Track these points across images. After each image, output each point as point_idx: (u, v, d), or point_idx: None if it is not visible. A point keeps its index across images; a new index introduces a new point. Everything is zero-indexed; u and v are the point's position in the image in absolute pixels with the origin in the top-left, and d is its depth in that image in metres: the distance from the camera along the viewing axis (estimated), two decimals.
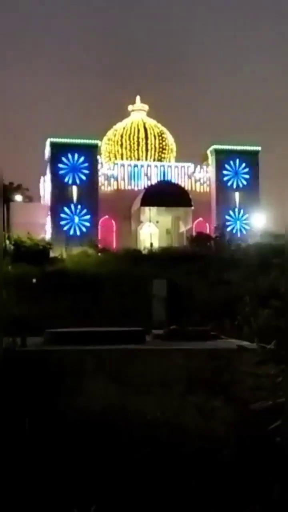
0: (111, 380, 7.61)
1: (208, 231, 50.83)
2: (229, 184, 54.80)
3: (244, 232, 52.69)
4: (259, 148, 56.29)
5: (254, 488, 5.82)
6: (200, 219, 54.01)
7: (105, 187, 53.73)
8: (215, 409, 7.30)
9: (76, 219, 51.35)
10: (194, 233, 49.49)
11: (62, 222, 51.19)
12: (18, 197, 57.93)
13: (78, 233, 50.87)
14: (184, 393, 7.56)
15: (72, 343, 8.46)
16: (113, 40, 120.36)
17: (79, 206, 51.63)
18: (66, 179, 51.91)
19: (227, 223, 51.95)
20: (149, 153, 57.31)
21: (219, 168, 55.04)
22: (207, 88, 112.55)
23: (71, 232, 50.86)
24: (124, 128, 58.52)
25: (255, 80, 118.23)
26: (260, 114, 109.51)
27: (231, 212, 53.91)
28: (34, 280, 26.02)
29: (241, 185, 54.92)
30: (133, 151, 57.33)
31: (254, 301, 6.99)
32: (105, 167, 54.84)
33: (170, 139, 59.36)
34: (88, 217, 51.69)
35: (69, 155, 52.15)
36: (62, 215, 51.28)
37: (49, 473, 6.11)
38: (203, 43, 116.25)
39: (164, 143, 58.39)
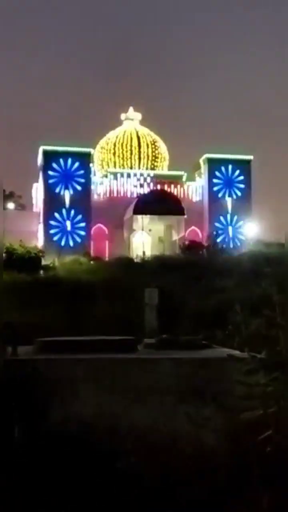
0: (102, 389, 7.61)
1: (200, 240, 50.89)
2: (221, 192, 54.93)
3: (237, 240, 52.79)
4: (251, 157, 56.47)
5: (243, 497, 5.82)
6: (193, 227, 54.09)
7: (97, 195, 53.76)
8: (205, 418, 7.30)
9: (69, 227, 51.31)
10: (186, 242, 49.53)
11: (54, 230, 51.16)
12: (11, 205, 57.90)
13: (70, 241, 50.85)
14: (175, 402, 7.55)
15: (63, 351, 8.44)
16: (107, 49, 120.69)
17: (71, 214, 51.61)
18: (58, 187, 51.91)
19: (220, 232, 52.02)
20: (141, 161, 57.40)
21: (212, 176, 55.18)
22: (200, 97, 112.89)
23: (63, 240, 50.83)
24: (117, 137, 58.62)
25: (247, 89, 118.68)
26: (253, 123, 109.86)
27: (223, 221, 53.99)
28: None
29: (233, 194, 55.05)
30: (126, 159, 57.40)
31: (246, 310, 6.99)
32: (97, 175, 54.90)
33: (163, 148, 59.47)
34: (80, 225, 51.67)
35: (62, 163, 52.17)
36: (55, 223, 51.25)
37: (37, 480, 6.11)
38: (196, 51, 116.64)
39: (157, 152, 58.50)
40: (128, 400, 7.57)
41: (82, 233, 51.57)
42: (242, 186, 55.23)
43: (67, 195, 51.92)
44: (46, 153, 52.79)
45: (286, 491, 5.77)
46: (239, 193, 55.06)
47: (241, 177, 55.33)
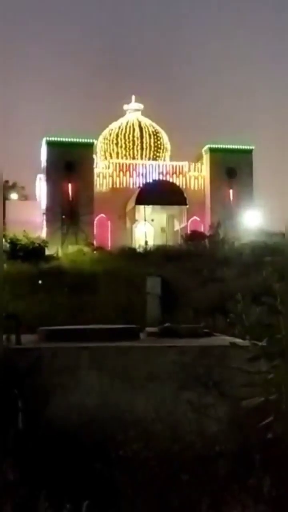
0: (105, 376, 7.69)
1: (202, 230, 50.92)
2: (223, 182, 54.89)
3: (239, 230, 52.81)
4: (253, 147, 56.40)
5: (245, 483, 5.90)
6: (195, 217, 54.10)
7: (100, 185, 53.77)
8: (207, 405, 7.38)
9: (72, 217, 51.35)
10: (188, 232, 49.57)
11: (58, 220, 51.20)
12: (14, 195, 57.92)
13: (73, 231, 50.90)
14: (177, 390, 7.64)
15: (66, 340, 8.51)
16: (109, 40, 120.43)
17: (74, 205, 51.64)
18: (61, 178, 51.93)
19: (221, 222, 52.07)
20: (144, 152, 57.40)
21: (213, 166, 55.13)
22: (202, 88, 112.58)
23: (67, 230, 50.88)
24: (119, 127, 58.60)
25: (249, 79, 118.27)
26: (255, 113, 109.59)
27: (225, 211, 53.96)
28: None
29: (235, 184, 55.01)
30: (128, 150, 57.40)
31: (247, 299, 7.05)
32: (100, 165, 54.90)
33: (165, 138, 59.45)
34: (83, 215, 51.70)
35: (65, 154, 52.16)
36: (57, 213, 51.29)
37: (42, 468, 6.19)
38: (198, 42, 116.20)
39: (159, 142, 58.49)
40: (130, 387, 7.65)
41: (85, 223, 51.59)
42: (244, 176, 55.17)
43: (70, 186, 51.94)
44: (49, 144, 52.79)
45: (286, 478, 5.84)
46: (241, 183, 55.01)
47: (243, 167, 55.26)
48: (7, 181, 57.82)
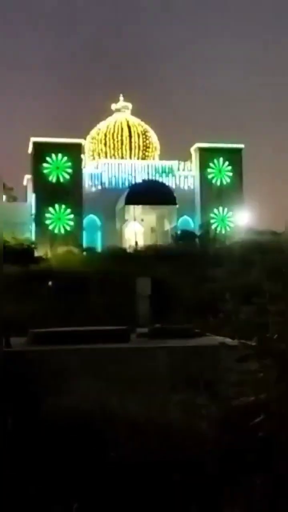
0: (95, 378, 7.68)
1: (192, 229, 50.97)
2: (213, 182, 54.93)
3: (228, 229, 52.82)
4: (242, 146, 56.48)
5: (237, 480, 5.91)
6: (185, 217, 54.11)
7: (89, 186, 53.71)
8: (198, 405, 7.38)
9: (60, 218, 51.27)
10: (178, 231, 49.59)
11: (47, 222, 51.10)
12: (2, 197, 57.77)
13: (62, 232, 50.80)
14: (168, 390, 7.64)
15: (57, 342, 8.52)
16: (97, 39, 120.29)
17: (63, 205, 51.54)
18: (50, 178, 51.84)
19: (211, 221, 52.09)
20: (133, 151, 57.33)
21: (203, 166, 55.17)
22: (191, 87, 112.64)
23: (56, 231, 50.78)
24: (107, 127, 58.51)
25: (239, 78, 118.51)
26: (244, 112, 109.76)
27: (215, 210, 53.98)
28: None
29: (224, 183, 55.05)
30: (117, 149, 57.33)
31: (237, 298, 7.06)
32: (89, 166, 54.84)
33: (154, 138, 59.40)
34: (72, 216, 51.62)
35: (53, 154, 52.08)
36: (46, 215, 51.19)
37: (32, 469, 6.18)
38: (186, 40, 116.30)
39: (148, 142, 58.42)
40: (121, 388, 7.65)
41: (74, 224, 51.51)
42: (233, 175, 55.23)
43: (58, 186, 51.85)
44: (36, 145, 52.68)
45: (277, 474, 5.86)
46: (230, 182, 55.06)
47: (232, 166, 55.32)
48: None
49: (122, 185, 53.72)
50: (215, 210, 53.81)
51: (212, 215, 53.18)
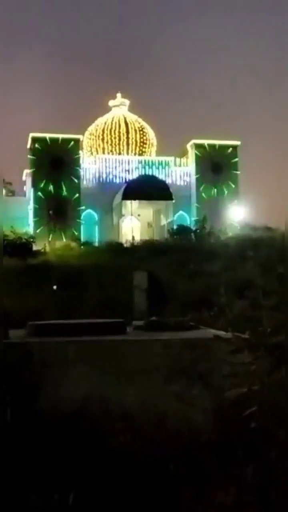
0: (92, 370, 7.82)
1: (188, 224, 51.11)
2: (208, 177, 55.05)
3: (224, 224, 52.97)
4: (238, 142, 56.59)
5: (229, 471, 6.06)
6: (181, 212, 54.25)
7: (86, 181, 53.79)
8: (192, 397, 7.53)
9: (58, 213, 51.35)
10: (175, 226, 49.74)
11: (45, 216, 51.20)
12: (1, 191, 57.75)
13: (60, 226, 50.91)
14: (163, 382, 7.78)
15: (54, 334, 8.65)
16: (95, 36, 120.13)
17: (61, 200, 51.64)
18: (48, 173, 51.93)
19: (207, 216, 52.26)
20: (130, 147, 57.48)
21: (199, 162, 55.29)
22: (188, 83, 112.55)
23: (54, 225, 50.88)
24: (105, 123, 58.65)
25: (236, 74, 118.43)
26: (240, 108, 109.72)
27: (211, 205, 54.11)
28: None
29: (220, 179, 55.18)
30: (114, 145, 57.47)
31: (231, 292, 7.21)
32: (86, 161, 54.92)
33: (150, 134, 59.55)
34: (70, 211, 51.72)
35: (51, 150, 52.16)
36: (44, 209, 51.29)
37: (30, 460, 6.32)
38: (184, 37, 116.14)
39: (144, 138, 58.59)
40: (118, 380, 7.79)
41: (72, 218, 51.62)
42: (229, 171, 55.35)
43: (57, 181, 51.93)
44: (35, 140, 52.75)
45: (269, 466, 6.00)
46: (226, 178, 55.20)
47: (228, 162, 55.44)
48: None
49: (119, 181, 53.85)
50: (211, 206, 53.95)
51: (207, 210, 53.30)
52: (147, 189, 50.94)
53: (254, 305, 6.55)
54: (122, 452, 6.62)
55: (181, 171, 56.21)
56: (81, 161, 53.76)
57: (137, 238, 47.82)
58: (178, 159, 56.68)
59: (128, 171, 54.78)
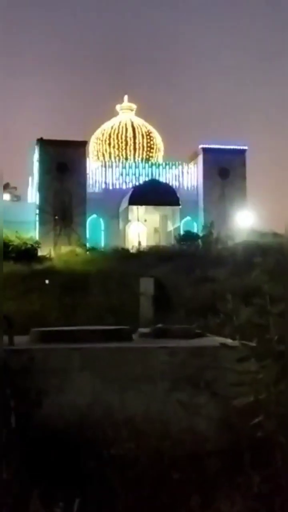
0: (97, 377, 7.76)
1: (195, 230, 51.06)
2: (216, 182, 55.01)
3: (231, 230, 52.90)
4: (246, 147, 56.55)
5: (234, 480, 5.99)
6: (188, 217, 54.20)
7: (93, 186, 53.81)
8: (198, 405, 7.46)
9: (64, 217, 51.39)
10: (181, 232, 49.71)
11: (50, 221, 51.23)
12: (6, 196, 57.91)
13: (66, 232, 50.93)
14: (169, 390, 7.72)
15: (59, 341, 8.58)
16: (103, 41, 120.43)
17: (67, 205, 51.68)
18: (54, 178, 51.96)
19: (215, 222, 52.22)
20: (137, 152, 57.53)
21: (207, 166, 55.26)
22: (196, 88, 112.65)
23: (59, 231, 50.90)
24: (112, 127, 58.76)
25: (244, 80, 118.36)
26: (248, 113, 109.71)
27: (218, 211, 54.06)
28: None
29: (228, 184, 55.13)
30: (121, 150, 57.54)
31: (238, 299, 7.13)
32: (93, 166, 54.95)
33: (157, 138, 59.61)
34: (76, 216, 51.73)
35: (57, 154, 52.20)
36: (50, 214, 51.32)
37: (34, 467, 6.26)
38: (192, 43, 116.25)
39: (152, 142, 58.65)
40: (123, 388, 7.72)
41: (78, 224, 51.63)
42: (237, 176, 55.30)
43: (62, 186, 51.95)
44: (41, 145, 52.80)
45: (275, 475, 5.93)
46: (234, 183, 55.14)
47: (236, 167, 55.38)
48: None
49: (126, 185, 53.91)
50: (219, 211, 53.95)
51: (215, 216, 53.30)
52: (154, 194, 50.96)
53: (262, 312, 6.48)
54: (127, 459, 6.56)
55: (188, 176, 56.20)
56: (87, 165, 53.76)
57: (144, 244, 47.80)
58: (185, 164, 56.68)
59: (135, 175, 54.79)
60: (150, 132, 58.83)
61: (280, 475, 5.79)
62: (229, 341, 7.59)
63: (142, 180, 54.02)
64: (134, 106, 61.53)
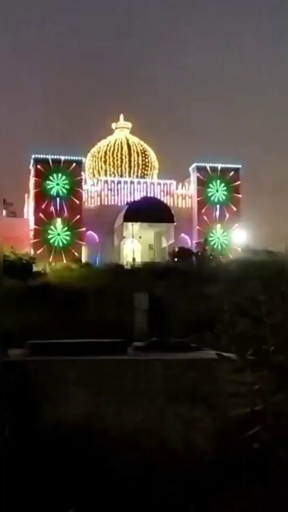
0: (92, 390, 7.73)
1: (190, 246, 51.09)
2: (210, 200, 55.18)
3: (225, 247, 52.98)
4: (239, 166, 56.78)
5: (232, 492, 5.97)
6: (182, 234, 54.27)
7: (88, 202, 53.90)
8: (194, 417, 7.44)
9: (60, 234, 51.43)
10: (176, 248, 49.71)
11: (46, 237, 51.25)
12: (2, 212, 57.91)
13: (61, 248, 50.94)
14: (164, 402, 7.69)
15: (54, 353, 8.56)
16: (98, 57, 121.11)
17: (62, 221, 51.72)
18: (50, 195, 52.05)
19: (209, 239, 52.24)
20: (132, 169, 57.65)
21: (201, 184, 55.44)
22: (190, 106, 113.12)
23: (55, 247, 50.91)
24: (107, 145, 58.90)
25: (238, 98, 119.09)
26: (242, 131, 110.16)
27: (212, 228, 54.19)
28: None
29: (222, 201, 55.31)
30: (116, 167, 57.66)
31: (233, 312, 7.14)
32: (88, 183, 55.08)
33: (152, 156, 59.77)
34: (71, 232, 51.77)
35: (53, 171, 52.31)
36: (46, 231, 51.35)
37: (29, 476, 6.23)
38: (186, 60, 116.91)
39: (146, 160, 58.79)
40: (118, 400, 7.69)
41: (73, 240, 51.66)
42: (230, 194, 55.49)
43: (58, 203, 52.04)
44: (37, 162, 52.92)
45: (273, 486, 5.91)
46: (227, 201, 55.33)
47: (230, 185, 55.59)
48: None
49: (120, 202, 53.97)
50: (212, 228, 54.05)
51: (209, 233, 53.38)
52: (149, 211, 51.02)
53: (257, 323, 6.48)
54: (123, 471, 6.53)
55: (182, 194, 56.40)
56: (83, 183, 53.90)
57: (138, 260, 47.78)
58: (180, 182, 56.89)
59: (130, 193, 54.94)
60: (145, 150, 58.99)
61: (277, 485, 5.77)
62: (224, 354, 7.59)
63: (136, 197, 54.17)
64: (129, 125, 61.84)
